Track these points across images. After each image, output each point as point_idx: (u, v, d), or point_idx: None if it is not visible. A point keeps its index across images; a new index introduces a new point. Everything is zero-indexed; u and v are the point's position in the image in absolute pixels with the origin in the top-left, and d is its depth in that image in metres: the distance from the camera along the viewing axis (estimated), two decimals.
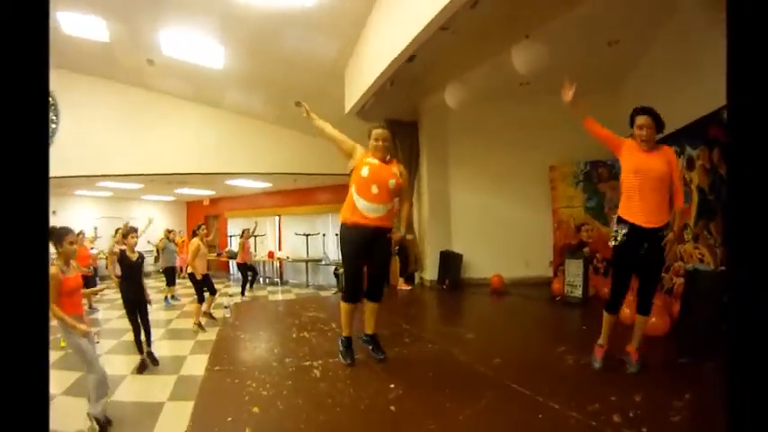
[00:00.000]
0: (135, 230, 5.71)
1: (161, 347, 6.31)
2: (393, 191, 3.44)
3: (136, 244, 5.58)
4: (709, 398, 2.79)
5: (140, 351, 5.42)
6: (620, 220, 3.14)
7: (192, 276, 7.50)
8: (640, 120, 3.07)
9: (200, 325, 7.33)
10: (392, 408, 2.79)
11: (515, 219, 7.54)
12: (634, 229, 3.07)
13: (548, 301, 6.09)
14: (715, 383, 3.03)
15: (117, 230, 7.80)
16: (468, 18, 4.06)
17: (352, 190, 3.48)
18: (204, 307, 7.64)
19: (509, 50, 4.70)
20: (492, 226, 7.58)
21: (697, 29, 4.32)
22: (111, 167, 9.18)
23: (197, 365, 4.64)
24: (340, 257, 4.10)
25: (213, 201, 16.55)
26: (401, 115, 7.51)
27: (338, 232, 3.63)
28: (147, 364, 5.39)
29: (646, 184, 3.02)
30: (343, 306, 3.62)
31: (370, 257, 3.55)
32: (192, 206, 17.98)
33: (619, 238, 3.12)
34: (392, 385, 3.13)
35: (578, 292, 5.65)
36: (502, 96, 7.06)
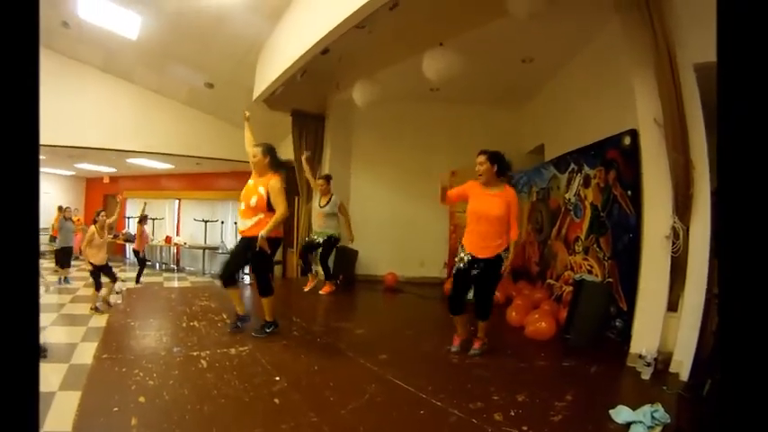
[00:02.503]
0: None
1: (53, 333, 5.95)
2: (254, 207, 3.87)
3: None
4: (589, 399, 2.90)
5: None
6: (463, 248, 3.69)
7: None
8: (478, 159, 3.62)
9: (96, 309, 6.99)
10: (276, 400, 2.75)
11: (414, 219, 7.63)
12: (472, 257, 3.61)
13: (440, 300, 6.09)
14: (596, 386, 3.21)
15: None
16: (385, 19, 4.10)
17: None
18: (103, 293, 7.24)
19: (422, 56, 4.72)
20: (391, 225, 7.61)
21: (608, 61, 4.53)
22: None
23: (90, 353, 4.28)
24: None
25: (113, 179, 15.37)
26: (309, 107, 7.42)
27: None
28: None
29: (481, 223, 3.58)
30: None
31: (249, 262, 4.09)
32: (91, 183, 16.74)
33: (462, 264, 3.67)
34: (278, 378, 3.09)
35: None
36: (411, 99, 7.13)
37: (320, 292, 6.03)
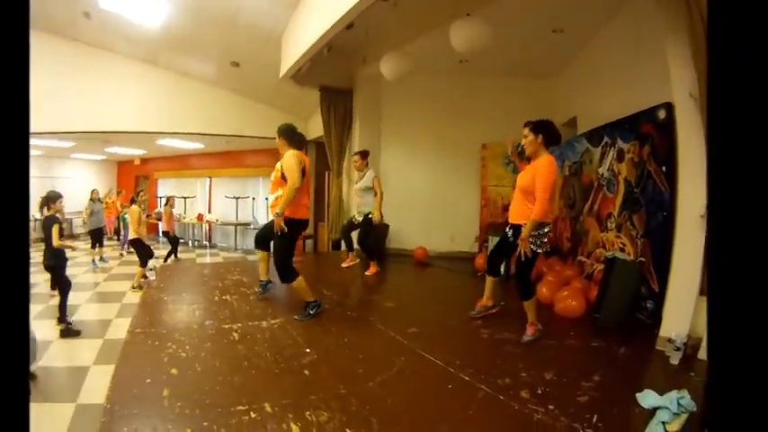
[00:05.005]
0: (60, 196, 5.37)
1: (88, 310, 6.23)
2: (273, 183, 4.09)
3: (63, 208, 5.33)
4: (616, 381, 2.87)
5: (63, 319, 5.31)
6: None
7: (135, 242, 7.62)
8: (522, 131, 3.62)
9: (140, 287, 7.27)
10: (306, 372, 2.82)
11: (445, 193, 7.59)
12: (508, 224, 3.74)
13: (470, 275, 6.08)
14: (624, 368, 3.17)
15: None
16: None
17: None
18: (139, 270, 7.66)
19: (449, 27, 4.58)
20: (421, 199, 7.59)
21: (641, 31, 4.37)
22: (42, 124, 8.24)
23: (124, 329, 4.53)
24: None
25: (144, 160, 15.80)
26: (336, 82, 7.41)
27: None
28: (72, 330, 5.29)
29: (516, 194, 3.69)
30: None
31: None
32: (122, 166, 17.19)
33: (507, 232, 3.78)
34: (308, 350, 3.16)
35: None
36: (440, 72, 7.03)
37: (366, 273, 5.92)
